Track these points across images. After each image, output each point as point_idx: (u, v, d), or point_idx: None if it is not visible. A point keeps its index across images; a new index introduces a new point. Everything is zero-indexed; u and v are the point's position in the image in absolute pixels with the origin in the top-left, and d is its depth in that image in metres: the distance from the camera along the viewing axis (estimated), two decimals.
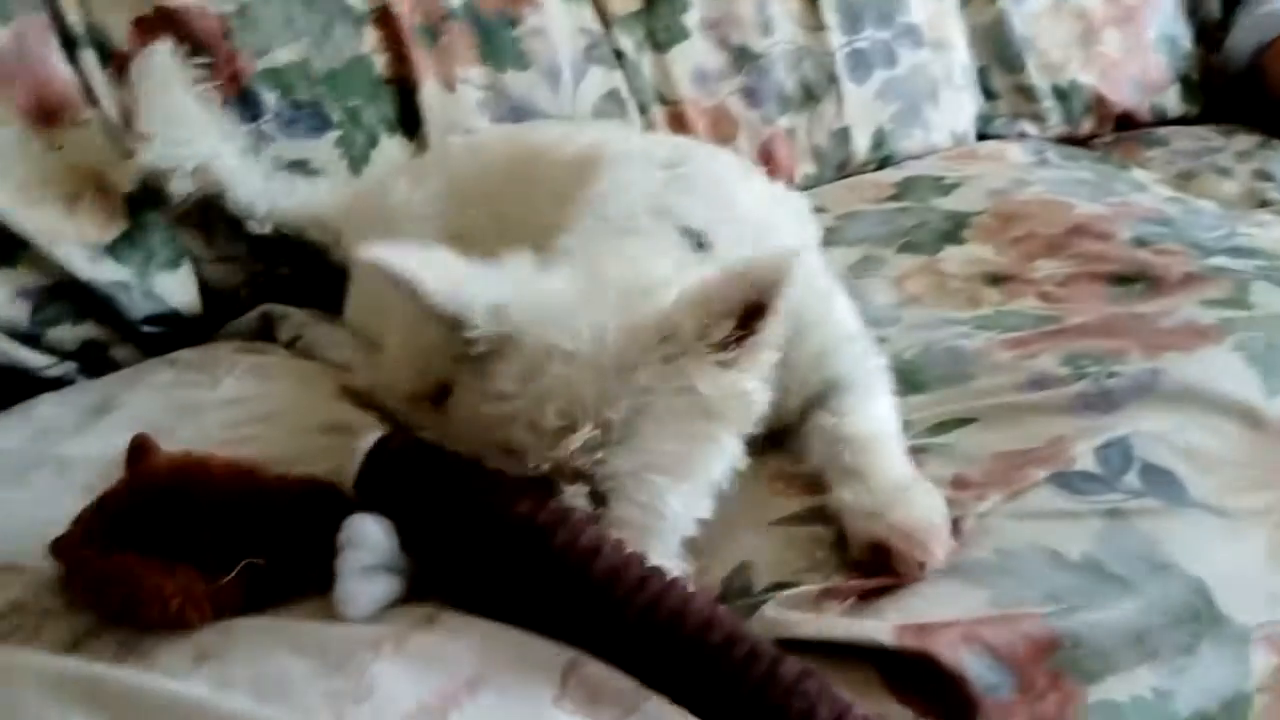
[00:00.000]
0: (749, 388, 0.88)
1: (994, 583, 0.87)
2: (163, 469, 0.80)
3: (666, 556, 0.86)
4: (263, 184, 1.34)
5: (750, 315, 0.85)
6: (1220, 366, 1.07)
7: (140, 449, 0.84)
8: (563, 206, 1.05)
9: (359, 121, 1.43)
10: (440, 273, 0.86)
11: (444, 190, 1.26)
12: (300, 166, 1.40)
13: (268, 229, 1.34)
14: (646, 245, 0.96)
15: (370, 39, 1.45)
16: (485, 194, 1.22)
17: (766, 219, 1.11)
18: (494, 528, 0.78)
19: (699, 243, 0.99)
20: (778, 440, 1.03)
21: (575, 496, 0.83)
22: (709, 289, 0.85)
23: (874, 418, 1.03)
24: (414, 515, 0.80)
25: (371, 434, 0.84)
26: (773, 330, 0.86)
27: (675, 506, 0.86)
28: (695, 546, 0.92)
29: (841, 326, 1.10)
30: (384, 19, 1.45)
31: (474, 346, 0.86)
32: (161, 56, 1.30)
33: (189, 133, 1.28)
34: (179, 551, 0.76)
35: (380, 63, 1.45)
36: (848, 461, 0.97)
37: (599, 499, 0.83)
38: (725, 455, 0.90)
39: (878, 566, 0.88)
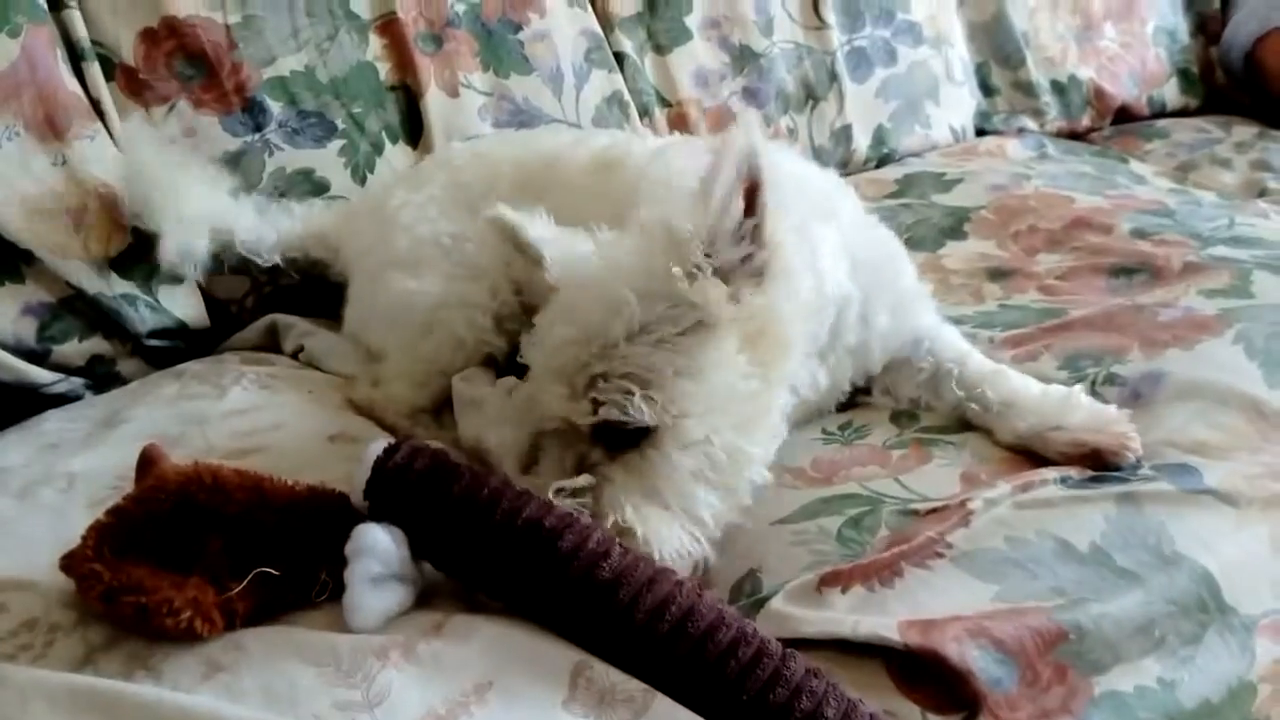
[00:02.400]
0: (773, 304, 0.90)
1: (1002, 576, 0.87)
2: (171, 480, 0.80)
3: (732, 505, 0.90)
4: (260, 219, 1.33)
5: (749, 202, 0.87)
6: (1221, 360, 1.07)
7: (149, 460, 0.84)
8: (588, 206, 1.07)
9: (363, 129, 1.44)
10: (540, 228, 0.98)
11: (445, 195, 1.27)
12: (307, 176, 1.40)
13: (276, 259, 1.34)
14: None
15: (375, 46, 1.46)
16: (494, 199, 1.22)
17: (820, 187, 1.13)
18: (502, 532, 0.79)
19: None
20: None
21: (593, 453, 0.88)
22: (704, 186, 0.87)
23: (979, 357, 1.09)
24: (422, 522, 0.80)
25: (378, 442, 0.84)
26: (769, 205, 0.88)
27: (722, 445, 0.89)
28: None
29: (912, 280, 1.15)
30: (388, 26, 1.47)
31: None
32: (136, 130, 1.30)
33: (189, 212, 1.27)
34: (190, 562, 0.77)
35: (384, 70, 1.46)
36: (995, 397, 1.03)
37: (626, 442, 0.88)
38: (772, 391, 0.92)
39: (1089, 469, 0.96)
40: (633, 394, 0.86)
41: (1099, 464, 0.97)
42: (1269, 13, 2.00)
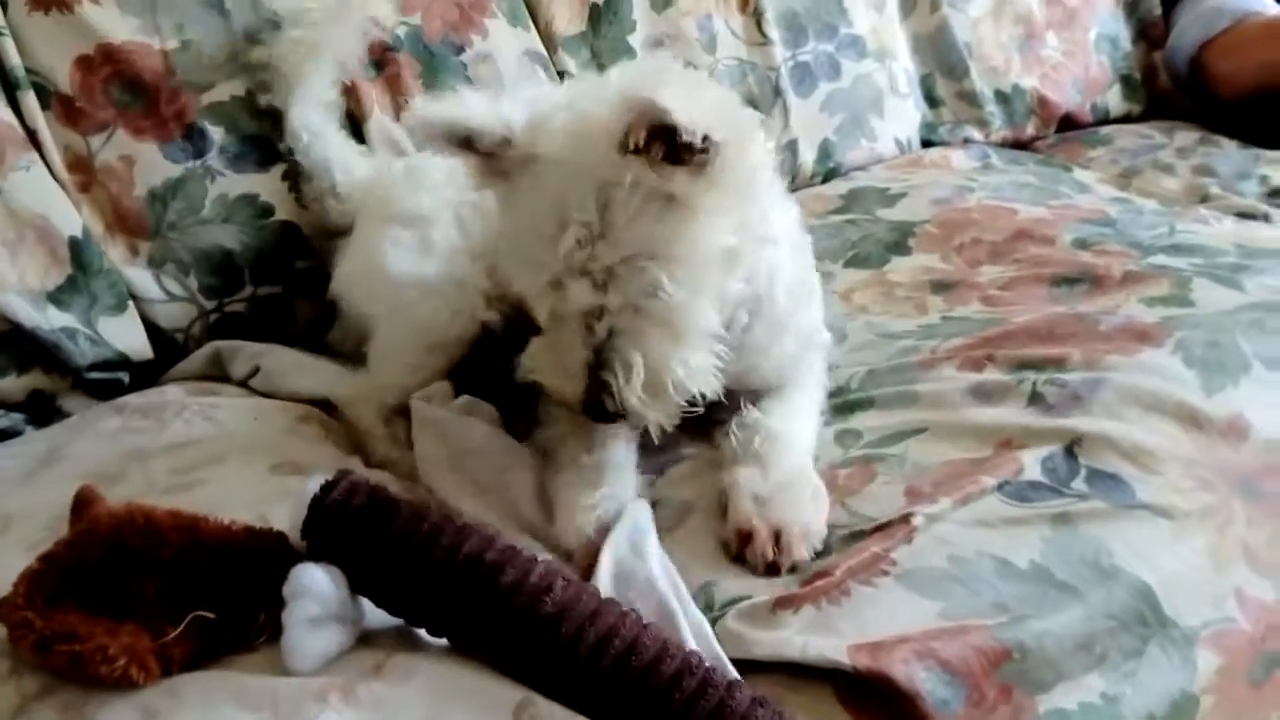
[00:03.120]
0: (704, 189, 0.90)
1: (945, 593, 0.88)
2: (104, 523, 0.78)
3: (695, 353, 0.95)
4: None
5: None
6: (1160, 368, 1.08)
7: (83, 502, 0.82)
8: None
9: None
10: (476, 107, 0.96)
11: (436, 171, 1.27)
12: (250, 201, 1.39)
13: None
14: None
15: None
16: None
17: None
18: (443, 568, 0.78)
19: None
20: None
21: (580, 294, 0.91)
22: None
23: (797, 422, 1.07)
24: (361, 560, 0.79)
25: (315, 479, 0.82)
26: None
27: (673, 292, 0.91)
28: None
29: (814, 333, 1.15)
30: None
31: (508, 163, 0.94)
32: None
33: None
34: (125, 607, 0.75)
35: None
36: (757, 448, 1.02)
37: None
38: (713, 249, 0.94)
39: (736, 550, 0.95)
40: (655, 274, 0.90)
41: (741, 549, 0.95)
42: (1213, 19, 2.03)
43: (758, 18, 1.77)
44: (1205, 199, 1.71)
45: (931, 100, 1.98)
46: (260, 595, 0.77)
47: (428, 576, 0.78)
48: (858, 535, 0.95)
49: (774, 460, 1.01)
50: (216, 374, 1.32)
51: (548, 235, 0.91)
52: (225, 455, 1.07)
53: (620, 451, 1.04)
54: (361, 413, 1.18)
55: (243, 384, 1.29)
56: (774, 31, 1.78)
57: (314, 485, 0.81)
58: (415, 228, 1.23)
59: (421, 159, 1.33)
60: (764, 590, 0.90)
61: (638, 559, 0.92)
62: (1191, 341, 1.12)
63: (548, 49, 1.63)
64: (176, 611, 0.75)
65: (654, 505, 1.01)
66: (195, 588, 0.77)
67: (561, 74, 1.63)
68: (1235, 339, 1.12)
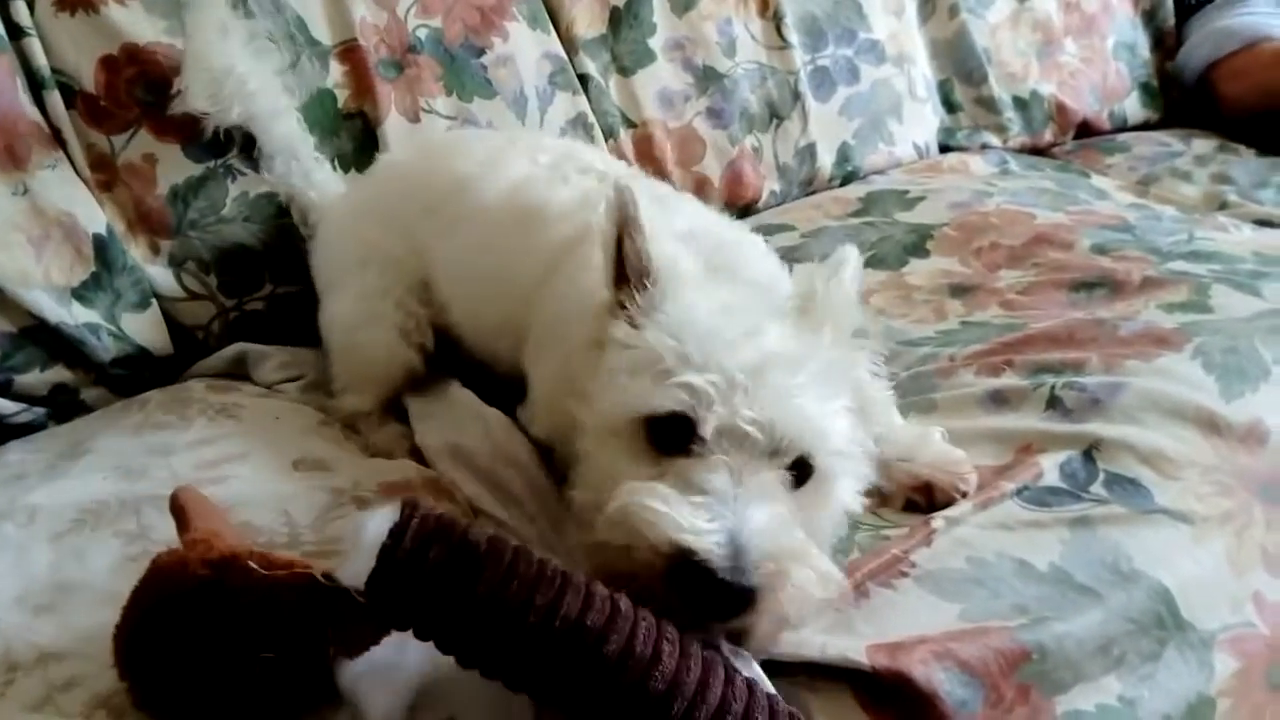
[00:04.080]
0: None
1: (965, 595, 0.88)
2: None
3: None
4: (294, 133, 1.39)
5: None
6: (1180, 374, 1.08)
7: (180, 509, 0.81)
8: (512, 260, 1.13)
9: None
10: None
11: (365, 209, 1.29)
12: (270, 199, 1.40)
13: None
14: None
15: (336, 73, 1.46)
16: (403, 223, 1.25)
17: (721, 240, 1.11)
18: (539, 636, 0.69)
19: None
20: None
21: None
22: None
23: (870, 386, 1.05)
24: (443, 623, 0.71)
25: (376, 518, 0.71)
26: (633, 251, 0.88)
27: None
28: None
29: None
30: (349, 53, 1.46)
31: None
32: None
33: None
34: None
35: (343, 97, 1.46)
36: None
37: None
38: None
39: (923, 504, 0.97)
40: None
41: (930, 498, 0.98)
42: (1223, 40, 2.04)
43: (777, 22, 1.78)
44: (1223, 206, 1.71)
45: (950, 105, 1.98)
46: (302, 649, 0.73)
47: (523, 645, 0.69)
48: (879, 539, 0.94)
49: (884, 426, 1.00)
50: (239, 374, 1.33)
51: None
52: (248, 452, 1.08)
53: None
54: (342, 416, 1.24)
55: (270, 389, 1.30)
56: (793, 36, 1.78)
57: (377, 525, 0.71)
58: (331, 289, 1.29)
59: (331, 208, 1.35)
60: None
61: None
62: (1210, 347, 1.12)
63: (568, 52, 1.64)
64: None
65: None
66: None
67: (582, 78, 1.64)
68: (1254, 345, 1.12)
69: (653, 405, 0.81)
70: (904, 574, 0.90)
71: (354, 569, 0.70)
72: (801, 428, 0.80)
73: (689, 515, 0.74)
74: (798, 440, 0.80)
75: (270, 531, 0.94)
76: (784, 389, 0.81)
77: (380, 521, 0.71)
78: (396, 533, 0.70)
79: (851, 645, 0.83)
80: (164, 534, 0.88)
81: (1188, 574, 0.92)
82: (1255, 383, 1.08)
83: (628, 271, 0.89)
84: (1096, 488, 0.98)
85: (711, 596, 0.73)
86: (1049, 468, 0.99)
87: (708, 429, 0.79)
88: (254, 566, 0.74)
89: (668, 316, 0.86)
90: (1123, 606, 0.89)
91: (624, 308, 0.88)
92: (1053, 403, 1.06)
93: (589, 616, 0.70)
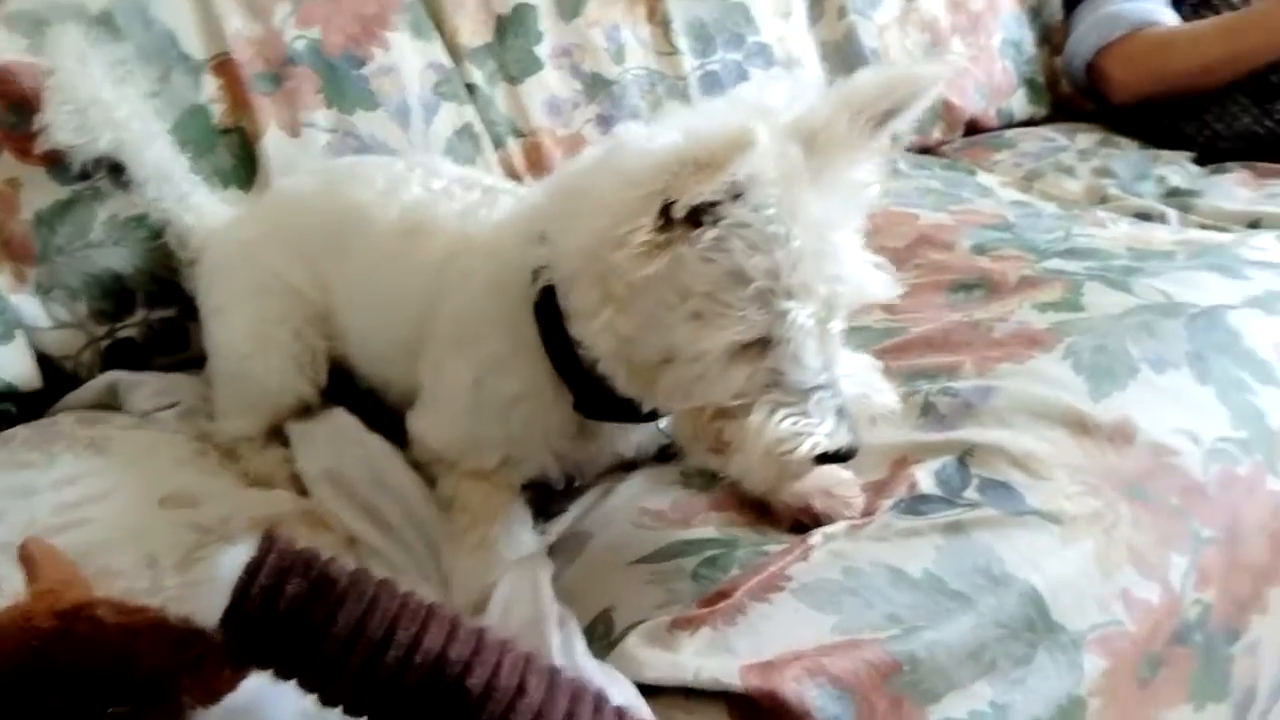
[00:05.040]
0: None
1: (839, 606, 0.89)
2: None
3: None
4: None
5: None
6: (1050, 375, 1.10)
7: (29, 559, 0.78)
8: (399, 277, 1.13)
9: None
10: None
11: (260, 238, 1.26)
12: (141, 222, 1.36)
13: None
14: None
15: (210, 88, 1.42)
16: (304, 252, 1.23)
17: None
18: (400, 672, 0.69)
19: None
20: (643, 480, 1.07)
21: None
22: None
23: None
24: (300, 661, 0.70)
25: (232, 551, 0.70)
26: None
27: None
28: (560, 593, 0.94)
29: None
30: (223, 67, 1.42)
31: None
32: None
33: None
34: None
35: (218, 112, 1.42)
36: None
37: None
38: None
39: (809, 526, 0.98)
40: None
41: (814, 519, 0.99)
42: (1110, 26, 2.08)
43: (665, 27, 1.77)
44: (1104, 200, 1.75)
45: None
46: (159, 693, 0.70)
47: (384, 680, 0.68)
48: (758, 555, 0.95)
49: None
50: (112, 404, 1.29)
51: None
52: (113, 490, 1.05)
53: (519, 507, 1.04)
54: (220, 441, 1.22)
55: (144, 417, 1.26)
56: (681, 41, 1.78)
57: (233, 561, 0.69)
58: (220, 316, 1.26)
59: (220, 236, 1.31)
60: (662, 612, 0.90)
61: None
62: (1080, 347, 1.14)
63: (454, 60, 1.61)
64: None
65: (551, 544, 1.01)
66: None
67: (469, 87, 1.62)
68: (1123, 343, 1.15)
69: (756, 333, 0.84)
70: (780, 588, 0.90)
71: (209, 606, 0.69)
72: (860, 290, 0.88)
73: (808, 424, 0.85)
74: (856, 299, 0.88)
75: (131, 575, 0.91)
76: (840, 254, 0.86)
77: (237, 557, 0.70)
78: (253, 568, 0.69)
79: (725, 667, 0.83)
80: (18, 585, 0.84)
81: (1057, 575, 0.93)
82: (1123, 381, 1.10)
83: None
84: (970, 492, 0.99)
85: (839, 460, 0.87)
86: (923, 477, 1.00)
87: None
88: (104, 614, 0.72)
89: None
90: (993, 611, 0.90)
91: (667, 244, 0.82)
92: (927, 409, 1.08)
93: (452, 649, 0.70)
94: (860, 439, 0.86)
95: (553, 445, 1.04)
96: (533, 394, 1.00)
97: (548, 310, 0.94)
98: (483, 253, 1.05)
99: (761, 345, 0.84)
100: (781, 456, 0.84)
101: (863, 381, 0.90)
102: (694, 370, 0.85)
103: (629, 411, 0.95)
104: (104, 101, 1.28)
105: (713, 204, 0.81)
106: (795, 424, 0.84)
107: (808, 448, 0.84)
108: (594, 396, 0.96)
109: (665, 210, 0.80)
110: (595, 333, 0.88)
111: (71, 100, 1.26)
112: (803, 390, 0.85)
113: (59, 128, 1.27)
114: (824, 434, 0.85)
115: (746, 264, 0.82)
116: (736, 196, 0.81)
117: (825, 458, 0.85)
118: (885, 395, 0.91)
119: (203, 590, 0.71)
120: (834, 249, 0.85)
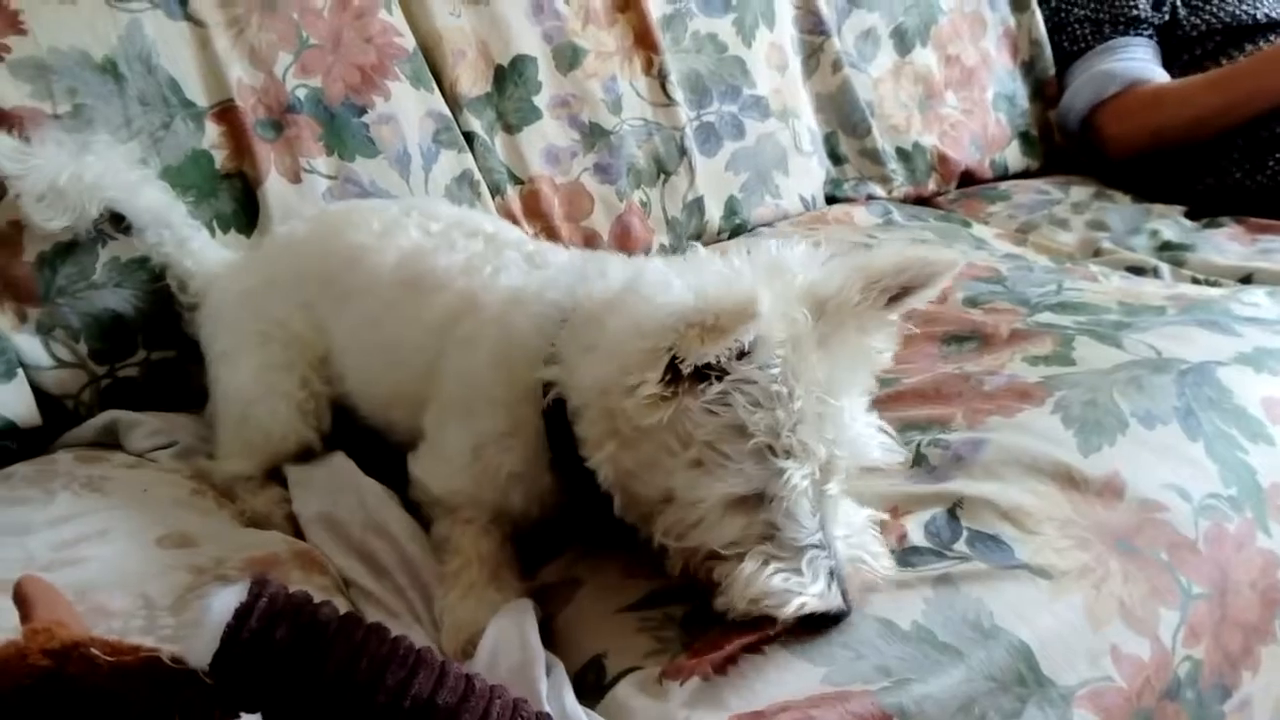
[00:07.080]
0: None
1: (830, 658, 0.89)
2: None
3: None
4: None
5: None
6: (1040, 429, 1.11)
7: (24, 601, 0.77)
8: (402, 329, 1.14)
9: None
10: None
11: (262, 285, 1.27)
12: (142, 264, 1.37)
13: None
14: None
15: (212, 134, 1.44)
16: (303, 298, 1.24)
17: None
18: (390, 715, 0.69)
19: None
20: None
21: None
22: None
23: None
24: (288, 707, 0.69)
25: (222, 594, 0.70)
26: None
27: None
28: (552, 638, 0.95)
29: None
30: (226, 114, 1.45)
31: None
32: None
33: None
34: None
35: (220, 157, 1.44)
36: None
37: None
38: None
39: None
40: None
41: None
42: (1105, 82, 2.12)
43: (662, 80, 1.80)
44: (1098, 253, 1.77)
45: (835, 158, 2.02)
46: None
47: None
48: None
49: None
50: (110, 443, 1.29)
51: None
52: (110, 529, 1.05)
53: (511, 553, 1.05)
54: (216, 480, 1.23)
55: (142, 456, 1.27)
56: (678, 93, 1.81)
57: (223, 604, 0.69)
58: (227, 363, 1.27)
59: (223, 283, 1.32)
60: (653, 661, 0.91)
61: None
62: (1070, 401, 1.15)
63: (452, 110, 1.64)
64: None
65: (541, 590, 1.02)
66: None
67: (468, 135, 1.64)
68: (1113, 397, 1.16)
69: (753, 487, 0.87)
70: (770, 638, 0.90)
71: (199, 649, 0.69)
72: (859, 455, 0.91)
73: (798, 583, 0.87)
74: (854, 463, 0.91)
75: (126, 615, 0.91)
76: (842, 418, 0.88)
77: (226, 600, 0.70)
78: (242, 612, 0.69)
79: (715, 718, 0.83)
80: (12, 622, 0.84)
81: (1047, 629, 0.94)
82: (1113, 435, 1.11)
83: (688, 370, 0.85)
84: (960, 545, 1.00)
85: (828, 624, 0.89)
86: (913, 528, 1.01)
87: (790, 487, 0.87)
88: (97, 653, 0.72)
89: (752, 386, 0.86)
90: (983, 664, 0.90)
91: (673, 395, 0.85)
92: (918, 460, 1.09)
93: (440, 695, 0.70)
94: (852, 603, 0.89)
95: (546, 508, 1.06)
96: (530, 473, 1.03)
97: (557, 419, 0.97)
98: (491, 323, 1.06)
99: (759, 499, 0.88)
100: (767, 609, 0.87)
101: (858, 545, 0.92)
102: (691, 514, 0.88)
103: None
104: (70, 175, 1.26)
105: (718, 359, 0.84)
106: (786, 580, 0.87)
107: (794, 606, 0.86)
108: (590, 491, 0.97)
109: (672, 364, 0.84)
110: (599, 461, 0.92)
111: (37, 194, 1.26)
112: (797, 547, 0.88)
113: (44, 222, 1.28)
114: (814, 594, 0.87)
115: (748, 419, 0.85)
116: (742, 355, 0.85)
117: (813, 619, 0.87)
118: (881, 560, 0.93)
119: (193, 633, 0.71)
120: (835, 412, 0.87)
